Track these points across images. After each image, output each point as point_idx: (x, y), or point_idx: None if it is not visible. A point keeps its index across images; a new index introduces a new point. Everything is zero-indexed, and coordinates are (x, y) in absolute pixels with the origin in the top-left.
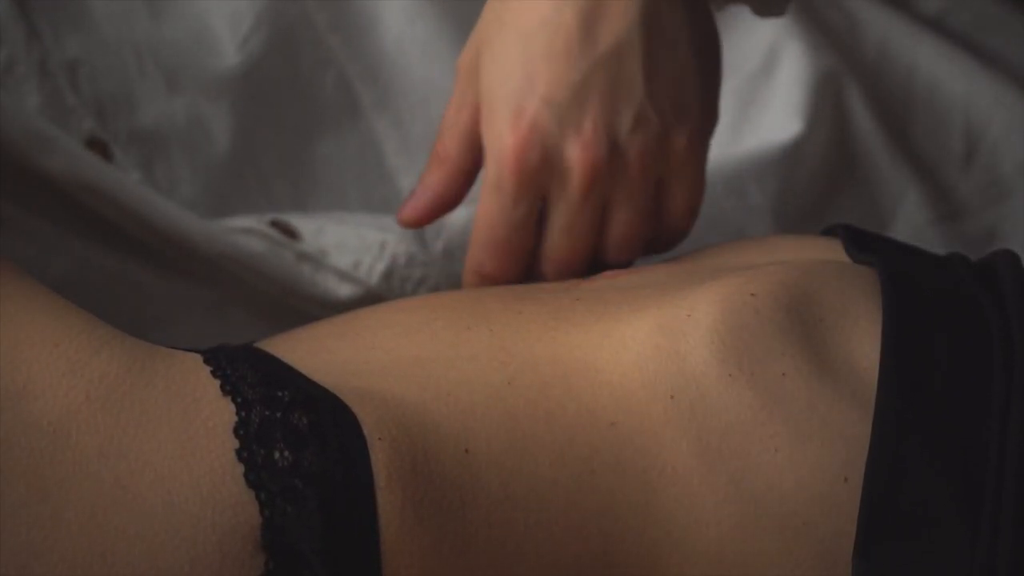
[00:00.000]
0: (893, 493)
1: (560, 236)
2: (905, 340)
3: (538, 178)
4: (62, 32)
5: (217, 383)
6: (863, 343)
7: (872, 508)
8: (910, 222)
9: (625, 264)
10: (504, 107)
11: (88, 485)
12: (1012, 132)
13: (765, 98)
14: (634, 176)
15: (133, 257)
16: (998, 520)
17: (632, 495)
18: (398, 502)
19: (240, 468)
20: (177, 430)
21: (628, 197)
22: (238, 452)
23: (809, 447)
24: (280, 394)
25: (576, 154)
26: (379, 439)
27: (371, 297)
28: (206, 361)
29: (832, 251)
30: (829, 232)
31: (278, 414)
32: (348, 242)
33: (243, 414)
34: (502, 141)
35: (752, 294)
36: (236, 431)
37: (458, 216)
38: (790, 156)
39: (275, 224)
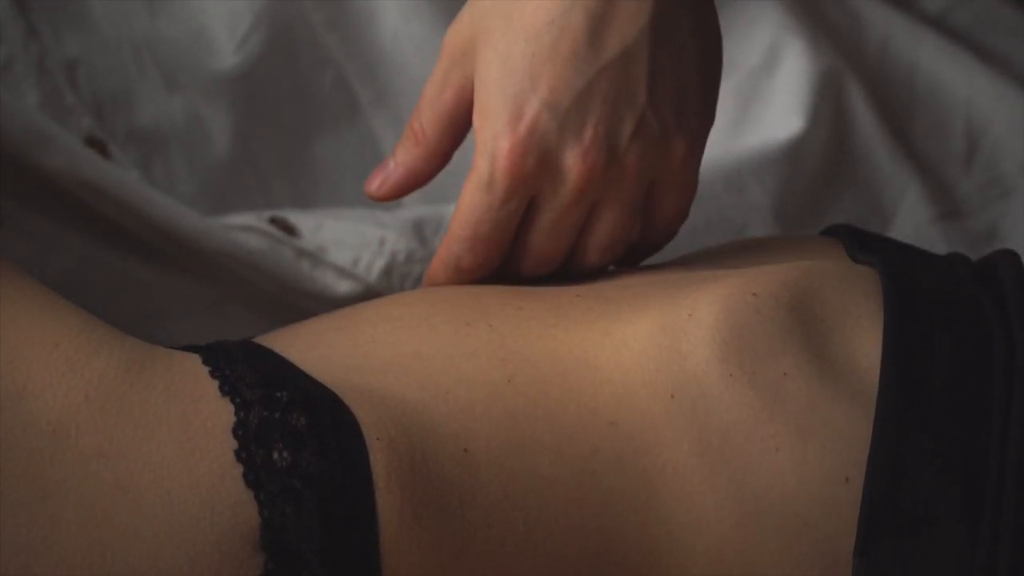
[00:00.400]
0: (894, 492)
1: (545, 235)
2: (906, 340)
3: (531, 181)
4: (61, 31)
5: (216, 383)
6: (864, 343)
7: (873, 507)
8: (911, 220)
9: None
10: (503, 106)
11: (87, 485)
12: (1013, 131)
13: (766, 95)
14: (629, 182)
15: (133, 254)
16: (999, 519)
17: (632, 494)
18: (397, 502)
19: (239, 469)
20: (176, 430)
21: (619, 200)
22: (237, 453)
23: (810, 447)
24: (279, 394)
25: (574, 161)
26: (378, 439)
27: (370, 294)
28: (205, 361)
29: (833, 252)
30: (830, 232)
31: (277, 414)
32: (347, 238)
33: (242, 415)
34: (497, 141)
35: (754, 294)
36: (235, 432)
37: None
38: (791, 154)
39: (274, 221)
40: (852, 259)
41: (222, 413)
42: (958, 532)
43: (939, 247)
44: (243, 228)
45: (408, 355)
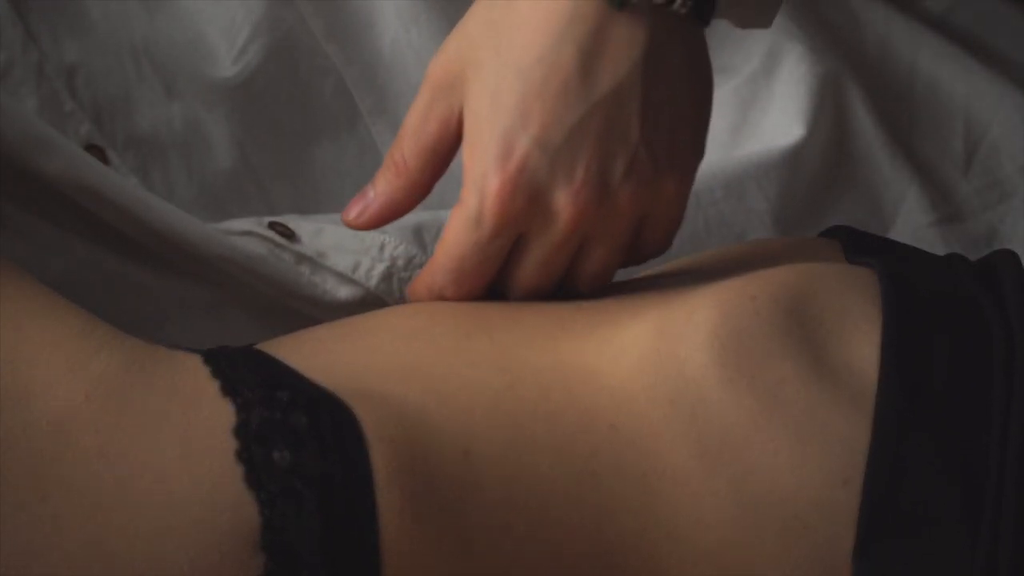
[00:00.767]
0: (894, 493)
1: (534, 269)
2: (904, 341)
3: (520, 220)
4: (59, 35)
5: (217, 383)
6: (863, 345)
7: (872, 508)
8: (911, 223)
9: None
10: (492, 142)
11: (88, 485)
12: (1013, 132)
13: (765, 101)
14: (620, 219)
15: (132, 258)
16: (999, 519)
17: (632, 497)
18: (397, 503)
19: (240, 469)
20: (177, 431)
21: (609, 236)
22: (238, 453)
23: (809, 450)
24: (280, 395)
25: (565, 201)
26: (379, 440)
27: (370, 298)
28: (206, 361)
29: (831, 253)
30: (829, 234)
31: (278, 415)
32: (347, 244)
33: (243, 415)
34: (487, 179)
35: (752, 297)
36: (236, 432)
37: None
38: (791, 160)
39: (273, 226)
40: (850, 261)
41: (223, 413)
42: (958, 532)
43: (939, 250)
44: (242, 233)
45: (409, 365)
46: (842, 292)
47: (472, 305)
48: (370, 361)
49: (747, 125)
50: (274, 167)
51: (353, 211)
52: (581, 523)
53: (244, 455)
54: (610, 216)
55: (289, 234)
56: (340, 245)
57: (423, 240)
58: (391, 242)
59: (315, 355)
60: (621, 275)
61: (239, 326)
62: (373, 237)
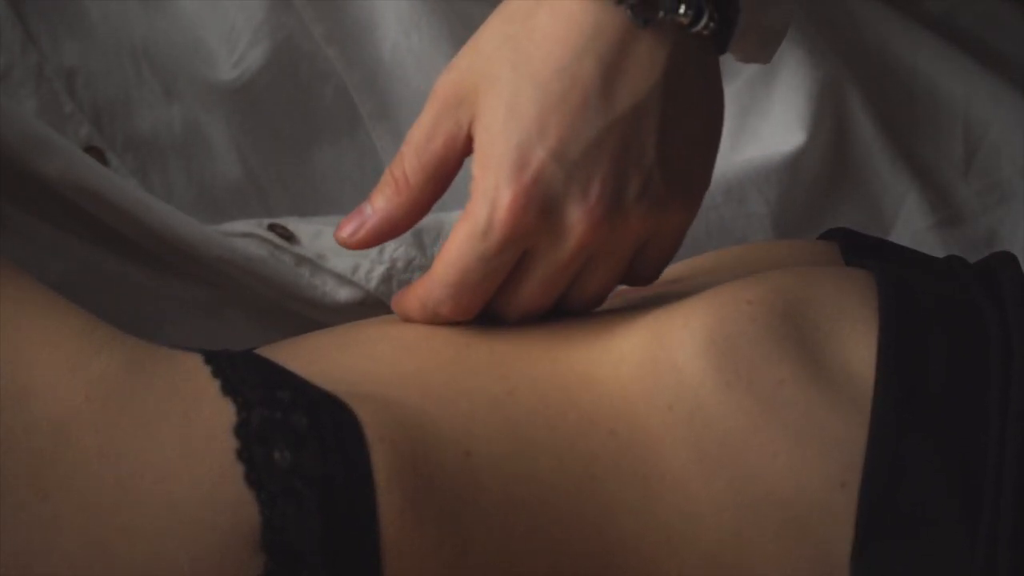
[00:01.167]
0: (892, 494)
1: (535, 289)
2: (901, 344)
3: (531, 234)
4: (59, 37)
5: (218, 383)
6: (860, 348)
7: (870, 510)
8: (910, 227)
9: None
10: (507, 154)
11: (88, 485)
12: (1012, 134)
13: (765, 106)
14: (627, 241)
15: (131, 259)
16: (997, 520)
17: (632, 499)
18: (398, 503)
19: (240, 468)
20: (177, 430)
21: (613, 257)
22: (238, 452)
23: (807, 453)
24: (280, 395)
25: (579, 218)
26: (380, 440)
27: (370, 300)
28: (207, 361)
29: (830, 256)
30: (827, 237)
31: (278, 414)
32: None
33: (244, 414)
34: (499, 190)
35: (748, 301)
36: (236, 431)
37: None
38: (791, 165)
39: (273, 228)
40: (849, 263)
41: (224, 413)
42: (957, 533)
43: (939, 253)
44: (242, 235)
45: (409, 373)
46: (839, 295)
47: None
48: (370, 369)
49: (747, 130)
50: (274, 171)
51: (347, 228)
52: (582, 524)
53: (244, 455)
54: (618, 236)
55: (289, 236)
56: (339, 247)
57: (423, 242)
58: (390, 244)
59: (314, 362)
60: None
61: (238, 327)
62: None
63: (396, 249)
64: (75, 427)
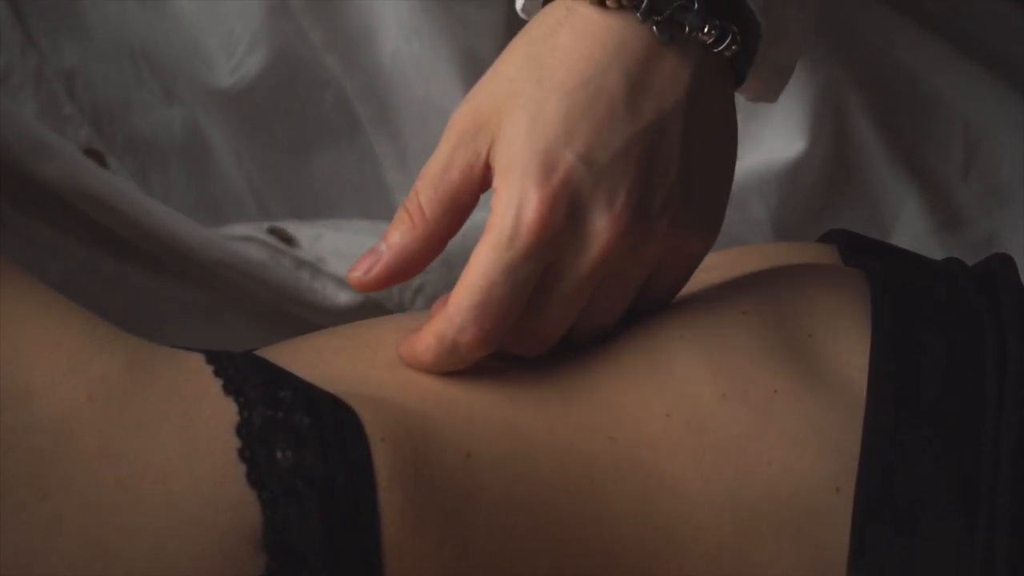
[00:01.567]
0: (887, 497)
1: (556, 308)
2: (895, 347)
3: (557, 239)
4: (58, 39)
5: (220, 382)
6: (853, 353)
7: (866, 512)
8: (910, 230)
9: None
10: (533, 159)
11: (89, 485)
12: (1012, 137)
13: (766, 112)
14: (645, 257)
15: (131, 261)
16: (994, 522)
17: (631, 502)
18: (399, 503)
19: (242, 468)
20: (179, 429)
21: (626, 278)
22: (240, 452)
23: (802, 458)
24: (282, 394)
25: (604, 225)
26: (381, 440)
27: (369, 304)
28: (208, 361)
29: (827, 258)
30: (826, 238)
31: (280, 414)
32: (346, 249)
33: (245, 414)
34: (526, 193)
35: (743, 312)
36: (238, 431)
37: None
38: (792, 171)
39: (273, 231)
40: (847, 263)
41: (225, 412)
42: (953, 535)
43: (939, 257)
44: (242, 238)
45: (409, 378)
46: (833, 301)
47: None
48: (369, 373)
49: (748, 136)
50: (273, 176)
51: (361, 267)
52: (581, 526)
53: (246, 454)
54: (638, 253)
55: (288, 239)
56: (339, 251)
57: None
58: None
59: (313, 365)
60: None
61: (238, 330)
62: (372, 243)
63: None
64: (76, 426)
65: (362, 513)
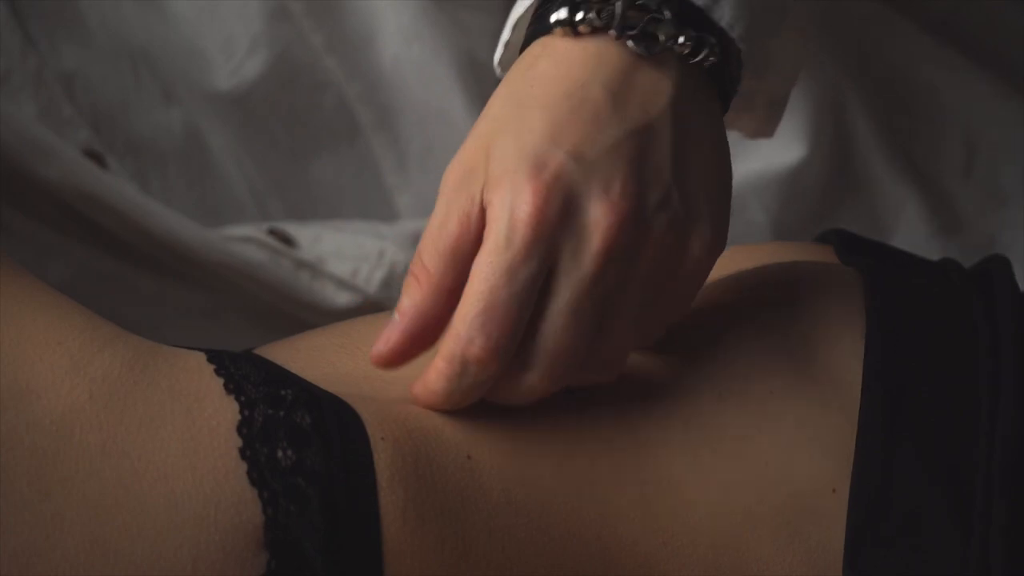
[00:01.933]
0: (882, 500)
1: (562, 316)
2: (890, 350)
3: (555, 234)
4: (58, 42)
5: (220, 381)
6: (849, 355)
7: (861, 515)
8: (910, 233)
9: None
10: (521, 162)
11: (91, 484)
12: (1012, 139)
13: None
14: (648, 264)
15: (130, 262)
16: (988, 526)
17: (629, 504)
18: (400, 503)
19: (243, 467)
20: (180, 428)
21: (634, 291)
22: (241, 450)
23: (797, 460)
24: (283, 392)
25: (602, 212)
26: (382, 439)
27: (369, 305)
28: (209, 359)
29: (822, 257)
30: (823, 238)
31: (281, 413)
32: (346, 250)
33: (246, 412)
34: (518, 194)
35: (739, 312)
36: (239, 429)
37: None
38: (792, 176)
39: (272, 232)
40: (843, 262)
41: (226, 411)
42: (949, 536)
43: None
44: (242, 239)
45: (409, 377)
46: (828, 302)
47: None
48: (370, 372)
49: (748, 142)
50: (272, 179)
51: (380, 343)
52: (580, 528)
53: (247, 453)
54: (642, 251)
55: (288, 240)
56: (339, 252)
57: None
58: (390, 248)
59: (314, 364)
60: None
61: (238, 331)
62: (372, 244)
63: (396, 253)
64: (77, 425)
65: (363, 512)
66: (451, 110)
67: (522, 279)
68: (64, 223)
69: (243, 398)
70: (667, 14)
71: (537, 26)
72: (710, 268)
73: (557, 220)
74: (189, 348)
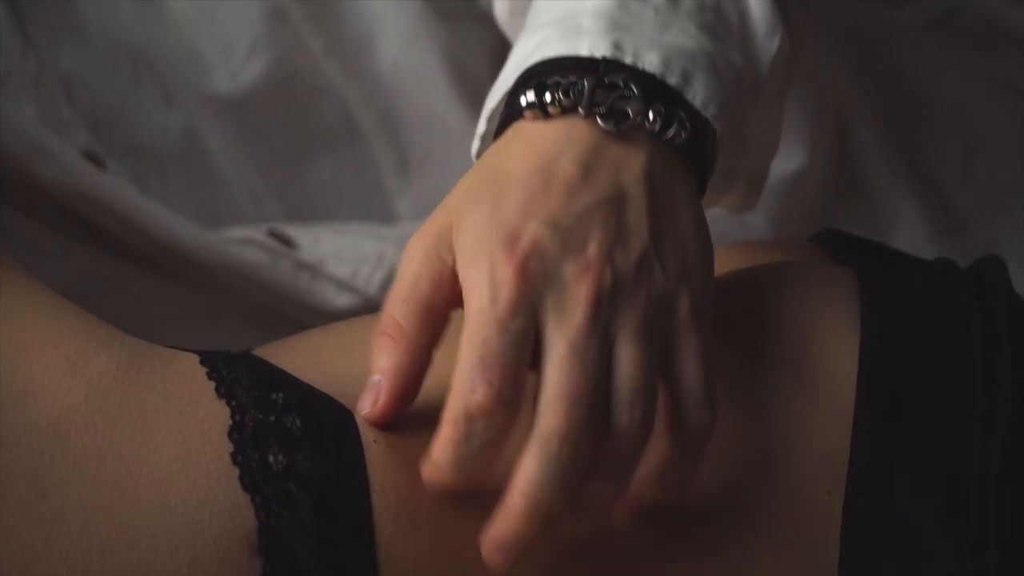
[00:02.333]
0: (878, 498)
1: (563, 361)
2: (884, 350)
3: (538, 289)
4: (57, 43)
5: (213, 385)
6: (842, 357)
7: (856, 514)
8: (910, 236)
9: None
10: (497, 233)
11: (87, 486)
12: (1011, 141)
13: None
14: (639, 306)
15: (130, 264)
16: (985, 523)
17: None
18: (392, 506)
19: (235, 471)
20: (173, 432)
21: (634, 330)
22: (233, 456)
23: (793, 462)
24: (274, 396)
25: (578, 275)
26: (374, 442)
27: (369, 307)
28: (203, 362)
29: (816, 255)
30: (818, 236)
31: (272, 417)
32: (345, 252)
33: (237, 417)
34: (495, 262)
35: (733, 312)
36: (230, 434)
37: None
38: (792, 183)
39: (272, 233)
40: (838, 261)
41: (219, 415)
42: (943, 533)
43: None
44: (241, 241)
45: None
46: (822, 303)
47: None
48: (366, 373)
49: None
50: (271, 182)
51: (365, 404)
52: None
53: (239, 458)
54: (628, 301)
55: (288, 241)
56: (339, 253)
57: None
58: (390, 250)
59: (310, 364)
60: None
61: (237, 333)
62: (372, 246)
63: (396, 255)
64: (73, 427)
65: (355, 516)
66: (449, 115)
67: (512, 330)
68: (63, 224)
69: (234, 402)
70: (635, 91)
71: (508, 112)
72: (707, 319)
73: (538, 277)
74: (185, 350)
